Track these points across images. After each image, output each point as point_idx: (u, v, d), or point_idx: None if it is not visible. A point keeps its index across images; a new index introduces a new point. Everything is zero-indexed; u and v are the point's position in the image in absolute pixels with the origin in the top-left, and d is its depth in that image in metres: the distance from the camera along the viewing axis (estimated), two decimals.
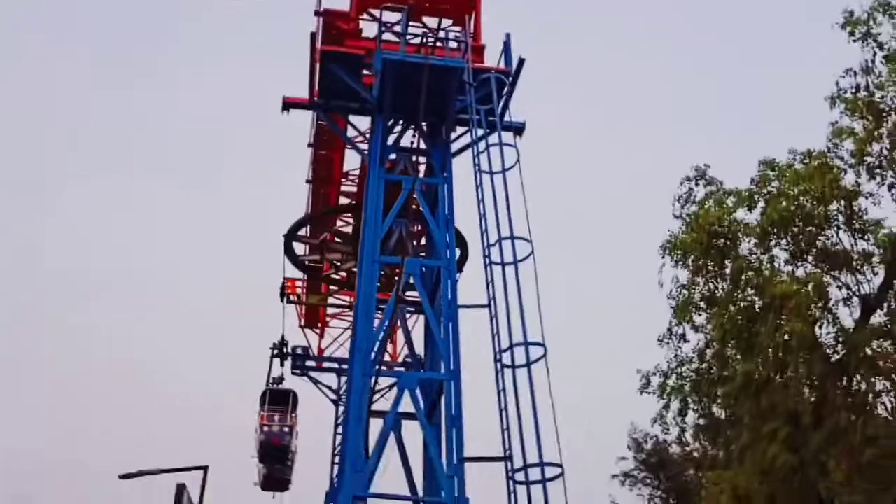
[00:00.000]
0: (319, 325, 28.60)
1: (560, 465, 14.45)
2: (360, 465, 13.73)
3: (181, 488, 8.01)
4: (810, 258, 20.22)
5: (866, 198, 19.73)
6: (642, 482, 35.74)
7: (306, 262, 22.99)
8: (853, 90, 19.27)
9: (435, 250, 16.55)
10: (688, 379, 20.67)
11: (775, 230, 19.90)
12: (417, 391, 14.95)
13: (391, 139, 17.35)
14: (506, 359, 15.47)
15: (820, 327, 18.82)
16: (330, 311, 27.76)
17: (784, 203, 19.47)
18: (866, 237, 20.09)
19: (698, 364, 20.61)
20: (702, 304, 20.43)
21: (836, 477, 16.75)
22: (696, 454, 25.25)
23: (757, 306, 19.75)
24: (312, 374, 27.80)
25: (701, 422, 20.92)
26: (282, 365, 27.30)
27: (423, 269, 16.45)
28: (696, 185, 21.45)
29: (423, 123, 17.30)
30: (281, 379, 27.00)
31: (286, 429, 24.53)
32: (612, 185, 75.92)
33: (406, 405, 15.09)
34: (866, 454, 17.30)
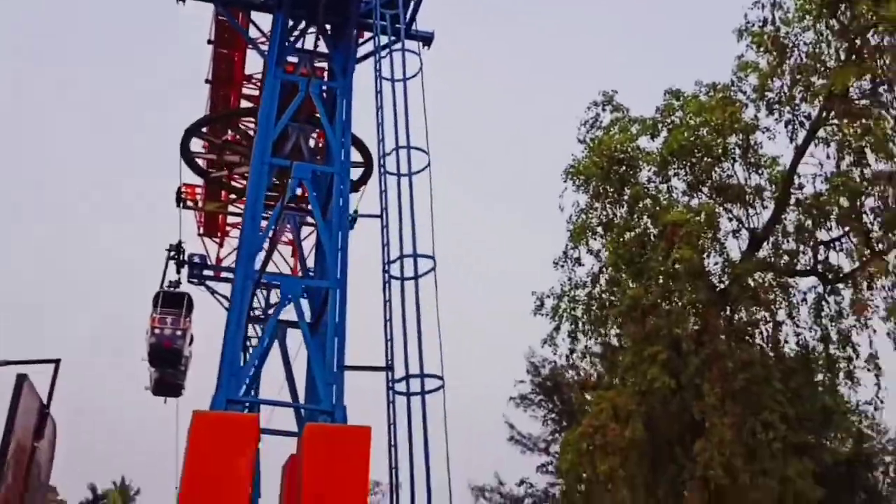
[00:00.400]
0: (219, 234, 27.82)
1: (441, 378, 14.57)
2: (236, 370, 13.44)
3: (21, 379, 7.55)
4: (706, 189, 20.58)
5: (763, 132, 20.05)
6: (538, 405, 36.76)
7: (205, 168, 22.14)
8: (760, 24, 19.35)
9: (330, 157, 16.09)
10: (580, 302, 20.99)
11: (675, 160, 20.11)
12: (303, 299, 14.67)
13: (293, 40, 16.60)
14: (395, 270, 15.40)
15: (708, 256, 19.27)
16: (231, 220, 26.98)
17: (685, 133, 19.62)
18: (760, 172, 20.55)
19: (591, 288, 20.92)
20: (598, 230, 20.62)
21: (710, 400, 17.36)
22: (585, 376, 25.90)
23: (651, 234, 20.07)
24: (210, 283, 27.15)
25: (591, 344, 21.36)
26: (178, 272, 26.52)
27: (317, 174, 15.93)
28: (603, 110, 21.42)
29: (327, 26, 16.58)
30: (177, 283, 26.21)
31: (179, 332, 23.67)
32: (526, 123, 76.12)
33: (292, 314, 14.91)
34: (739, 379, 18.01)
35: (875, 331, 19.32)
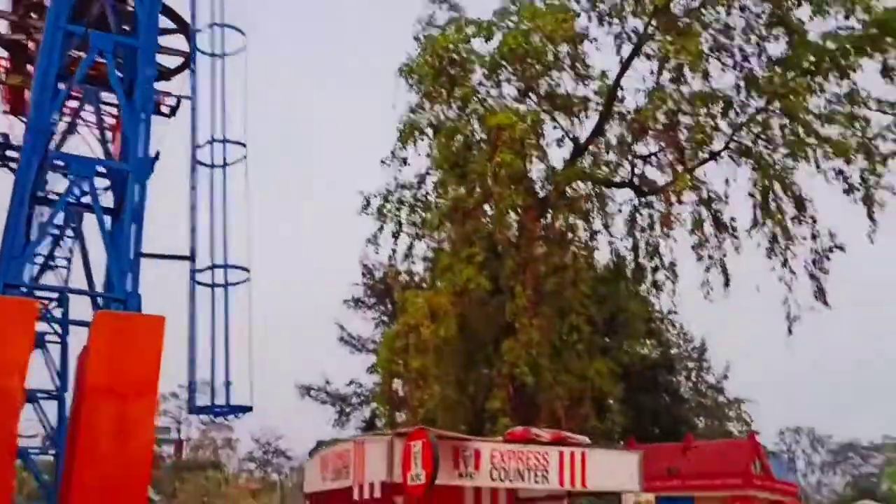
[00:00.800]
0: (26, 111, 25.47)
1: (247, 270, 14.17)
2: (17, 253, 12.39)
3: None
4: (534, 97, 20.75)
5: (592, 42, 20.29)
6: (370, 307, 37.03)
7: (9, 34, 19.96)
8: None
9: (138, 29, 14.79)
10: (406, 203, 20.92)
11: (506, 64, 20.05)
12: (96, 181, 13.63)
13: None
14: (203, 157, 14.65)
15: (531, 163, 19.54)
16: None
17: (517, 38, 19.51)
18: (587, 83, 20.92)
19: (417, 189, 20.88)
20: (428, 130, 20.43)
21: (521, 302, 17.90)
22: (408, 278, 26.18)
23: (479, 137, 20.11)
24: (14, 164, 25.02)
25: (416, 246, 21.46)
26: None
27: (121, 47, 14.61)
28: (440, 8, 20.95)
29: None
30: None
31: None
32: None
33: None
34: (550, 283, 18.68)
35: (676, 240, 20.45)
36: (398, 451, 8.88)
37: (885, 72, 20.18)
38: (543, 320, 18.55)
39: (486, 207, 19.58)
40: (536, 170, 20.20)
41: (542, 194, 20.23)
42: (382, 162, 20.41)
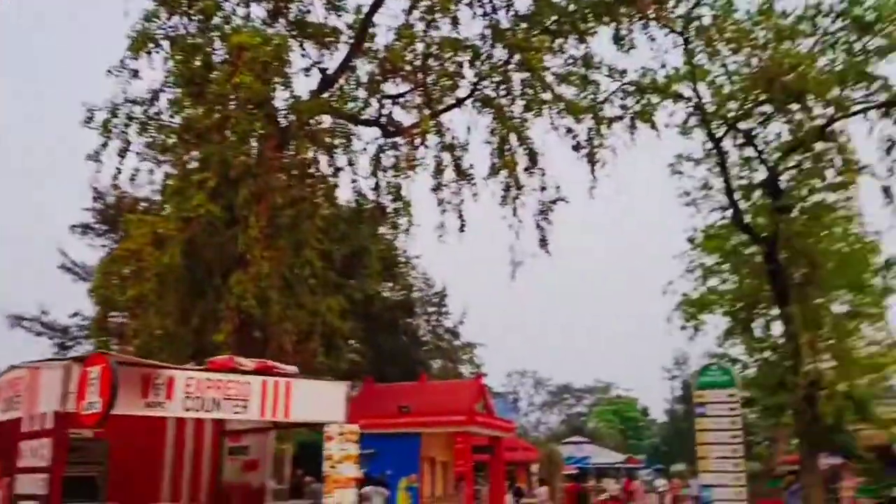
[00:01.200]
0: None
1: None
2: None
3: None
4: (283, 21, 19.83)
5: None
6: (101, 234, 34.31)
7: None
8: None
9: None
10: (136, 120, 19.14)
11: None
12: None
13: None
14: None
15: (274, 90, 18.66)
16: None
17: None
18: (340, 14, 20.36)
19: (149, 106, 19.16)
20: (164, 43, 18.76)
21: (254, 233, 17.17)
22: (134, 201, 24.40)
23: (221, 57, 18.85)
24: None
25: (143, 166, 19.77)
26: None
27: None
28: None
29: None
30: None
31: None
32: None
33: None
34: (286, 215, 18.11)
35: (415, 182, 20.69)
36: (75, 377, 8.05)
37: (618, 39, 21.67)
38: (277, 253, 17.97)
39: (226, 133, 18.48)
40: (281, 98, 19.36)
41: (285, 124, 19.44)
42: (109, 72, 18.48)
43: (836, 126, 22.40)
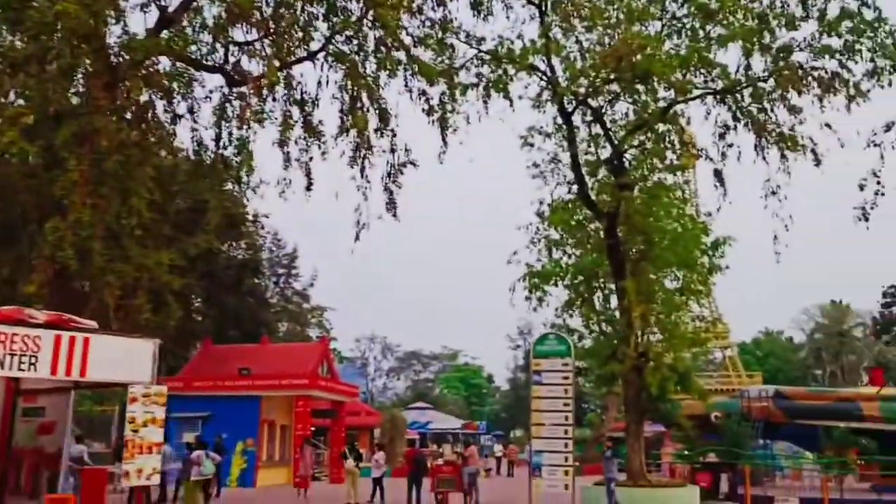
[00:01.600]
0: None
1: None
2: None
3: None
4: None
5: None
6: None
7: None
8: None
9: None
10: None
11: None
12: None
13: None
14: None
15: (106, 24, 17.20)
16: None
17: None
18: None
19: None
20: None
21: (74, 177, 15.83)
22: None
23: None
24: None
25: None
26: None
27: None
28: None
29: None
30: None
31: None
32: None
33: None
34: (112, 160, 16.78)
35: (256, 132, 19.71)
36: None
37: (476, 5, 21.47)
38: (101, 201, 16.68)
39: (48, 66, 16.89)
40: (114, 35, 17.92)
41: (117, 62, 18.00)
42: None
43: (678, 108, 23.19)
